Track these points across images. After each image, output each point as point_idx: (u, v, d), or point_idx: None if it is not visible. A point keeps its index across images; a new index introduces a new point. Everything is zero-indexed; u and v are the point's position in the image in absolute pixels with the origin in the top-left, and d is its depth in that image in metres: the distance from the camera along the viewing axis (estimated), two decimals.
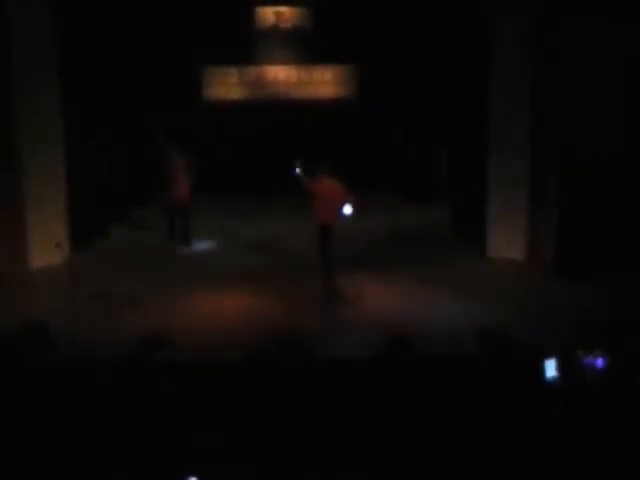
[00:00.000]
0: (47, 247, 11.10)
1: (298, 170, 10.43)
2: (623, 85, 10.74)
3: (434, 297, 10.66)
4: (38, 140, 11.52)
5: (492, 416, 6.63)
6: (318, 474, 5.99)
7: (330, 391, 7.24)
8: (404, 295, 10.82)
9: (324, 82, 16.26)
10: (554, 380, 7.16)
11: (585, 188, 10.94)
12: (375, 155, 16.57)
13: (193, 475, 5.70)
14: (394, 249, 12.95)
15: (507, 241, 11.92)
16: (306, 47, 15.90)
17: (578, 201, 11.02)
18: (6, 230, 11.25)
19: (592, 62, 10.68)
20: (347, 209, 10.37)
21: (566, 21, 10.74)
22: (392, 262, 12.22)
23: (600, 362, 7.21)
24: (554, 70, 11.02)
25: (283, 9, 15.80)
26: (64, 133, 11.96)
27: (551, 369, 7.17)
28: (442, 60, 13.55)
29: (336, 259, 10.63)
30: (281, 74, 16.25)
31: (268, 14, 15.82)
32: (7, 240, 11.25)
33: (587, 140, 10.85)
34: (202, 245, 13.18)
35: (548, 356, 7.20)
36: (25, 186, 11.46)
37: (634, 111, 10.78)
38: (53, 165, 11.84)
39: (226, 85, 16.15)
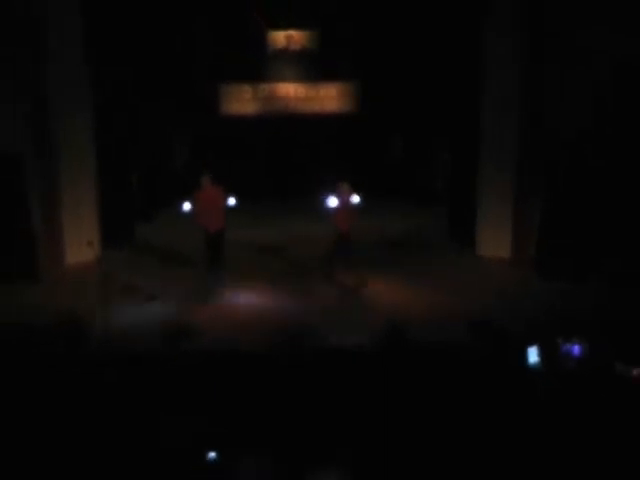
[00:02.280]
0: (81, 246, 11.21)
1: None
2: (608, 95, 10.56)
3: (429, 291, 10.72)
4: (73, 153, 11.72)
5: (480, 398, 6.70)
6: (324, 452, 6.04)
7: (336, 377, 7.30)
8: (402, 289, 10.88)
9: (329, 97, 16.32)
10: (536, 365, 7.24)
11: (565, 199, 11.01)
12: (377, 163, 16.62)
13: (213, 450, 5.78)
14: (395, 249, 12.98)
15: (495, 242, 12.01)
16: (313, 66, 15.99)
17: (559, 209, 11.08)
18: (46, 232, 11.35)
19: (578, 79, 10.59)
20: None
21: (555, 41, 10.73)
22: (393, 260, 12.31)
23: (577, 349, 7.30)
24: (541, 90, 11.05)
25: (293, 33, 15.91)
26: (96, 147, 12.05)
27: (533, 355, 7.26)
28: (438, 77, 13.60)
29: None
30: (291, 90, 16.33)
31: (280, 37, 15.93)
32: (46, 240, 11.35)
33: (569, 155, 10.86)
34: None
35: (530, 343, 7.27)
36: (62, 193, 11.58)
37: (617, 122, 10.62)
38: (86, 175, 12.02)
39: (242, 100, 16.23)
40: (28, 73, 10.85)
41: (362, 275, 10.93)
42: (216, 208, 10.73)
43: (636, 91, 10.37)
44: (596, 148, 10.65)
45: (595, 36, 10.14)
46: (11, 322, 9.03)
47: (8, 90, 10.66)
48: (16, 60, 10.65)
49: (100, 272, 9.44)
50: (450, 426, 6.24)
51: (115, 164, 12.90)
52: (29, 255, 11.01)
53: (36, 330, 8.50)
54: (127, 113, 13.16)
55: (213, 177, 10.83)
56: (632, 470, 5.67)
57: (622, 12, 10.20)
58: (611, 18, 10.21)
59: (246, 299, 10.54)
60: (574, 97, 10.58)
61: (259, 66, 15.80)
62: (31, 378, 7.17)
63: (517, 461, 5.77)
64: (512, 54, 11.37)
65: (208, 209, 10.70)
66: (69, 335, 8.29)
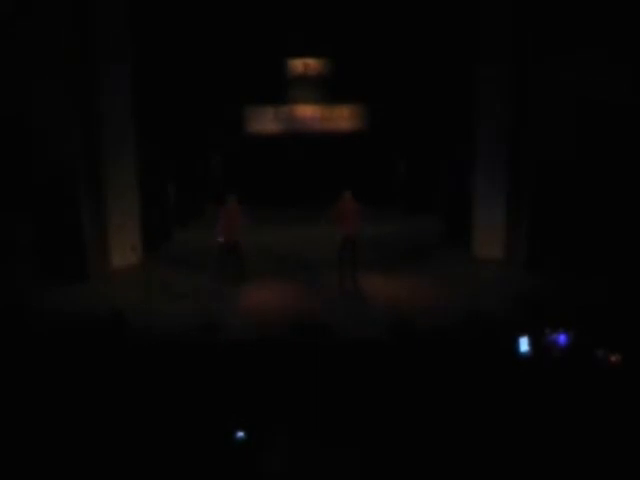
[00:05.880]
0: (125, 251, 11.27)
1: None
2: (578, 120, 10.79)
3: (431, 289, 10.65)
4: (119, 171, 11.81)
5: (476, 383, 6.63)
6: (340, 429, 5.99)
7: (347, 364, 7.27)
8: (406, 287, 10.80)
9: (342, 118, 16.30)
10: (527, 354, 7.16)
11: (550, 208, 11.14)
12: (382, 175, 16.53)
13: (241, 430, 5.74)
14: (399, 251, 12.89)
15: (489, 244, 11.97)
16: (328, 90, 15.96)
17: (545, 216, 11.20)
18: (95, 239, 11.42)
19: (557, 105, 10.77)
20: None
21: (539, 68, 10.83)
22: (397, 261, 12.24)
23: (563, 339, 7.21)
24: (528, 115, 11.17)
25: (310, 60, 15.90)
26: (138, 163, 12.15)
27: (524, 345, 7.17)
28: (438, 103, 13.85)
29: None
30: (308, 112, 16.31)
31: (298, 64, 15.92)
32: (96, 246, 11.42)
33: (553, 172, 10.94)
34: None
35: (522, 334, 7.19)
36: (109, 206, 11.66)
37: (590, 140, 10.79)
38: (129, 189, 12.09)
39: (264, 121, 16.25)
40: (83, 105, 11.03)
41: None
42: (235, 223, 10.92)
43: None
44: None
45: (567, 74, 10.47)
46: (66, 316, 9.20)
47: (66, 119, 10.83)
48: (72, 93, 10.80)
49: (142, 273, 9.52)
50: (455, 411, 6.15)
51: (154, 179, 13.00)
52: (81, 259, 11.20)
53: (87, 322, 8.59)
54: (165, 135, 13.24)
55: (238, 197, 11.09)
56: (612, 450, 5.57)
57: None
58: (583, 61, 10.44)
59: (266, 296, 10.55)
60: (549, 125, 10.86)
61: (279, 90, 15.83)
62: (83, 362, 7.28)
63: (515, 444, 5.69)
64: (499, 95, 11.52)
65: (228, 222, 10.90)
66: (115, 327, 8.34)
